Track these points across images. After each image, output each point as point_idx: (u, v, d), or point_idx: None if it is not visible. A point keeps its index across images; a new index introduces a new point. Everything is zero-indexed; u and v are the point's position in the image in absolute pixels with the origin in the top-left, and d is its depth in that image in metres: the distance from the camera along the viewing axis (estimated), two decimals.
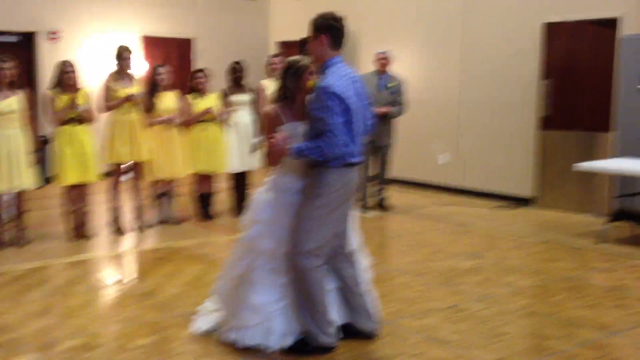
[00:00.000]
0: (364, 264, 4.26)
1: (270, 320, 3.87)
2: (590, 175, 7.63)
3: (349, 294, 4.02)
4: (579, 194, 8.06)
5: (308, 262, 3.75)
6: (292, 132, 3.80)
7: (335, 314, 4.00)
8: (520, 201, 8.57)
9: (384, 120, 7.97)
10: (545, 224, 7.53)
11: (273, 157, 3.83)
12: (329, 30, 3.77)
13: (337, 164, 3.72)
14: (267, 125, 3.93)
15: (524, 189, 8.57)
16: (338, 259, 3.99)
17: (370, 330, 4.07)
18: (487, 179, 8.98)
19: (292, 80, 3.87)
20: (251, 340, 3.88)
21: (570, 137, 8.11)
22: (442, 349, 3.95)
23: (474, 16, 9.00)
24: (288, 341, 3.87)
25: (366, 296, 4.09)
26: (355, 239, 4.18)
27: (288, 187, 3.89)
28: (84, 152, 6.52)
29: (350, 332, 4.05)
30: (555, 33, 8.11)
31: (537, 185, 8.43)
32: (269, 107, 7.51)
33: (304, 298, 3.82)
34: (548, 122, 8.28)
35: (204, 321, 4.22)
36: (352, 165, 3.80)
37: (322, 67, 3.79)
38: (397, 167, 9.57)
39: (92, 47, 10.52)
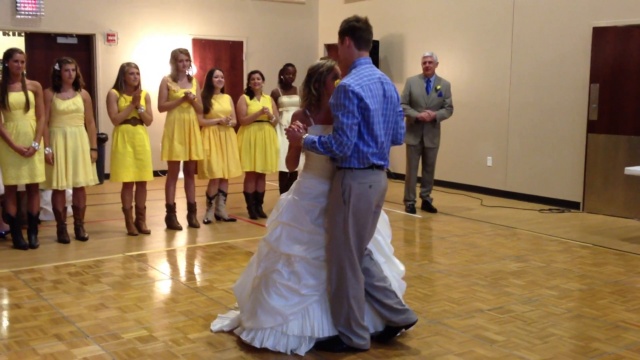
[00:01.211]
0: (401, 269, 4.36)
1: (285, 325, 3.91)
2: (637, 180, 7.61)
3: (376, 288, 4.00)
4: (625, 198, 8.03)
5: (348, 263, 3.83)
6: (317, 134, 3.87)
7: (369, 322, 4.06)
8: (567, 205, 8.56)
9: (432, 122, 8.08)
10: (592, 228, 7.53)
11: (290, 148, 3.99)
12: (352, 31, 3.85)
13: (359, 165, 3.77)
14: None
15: (571, 193, 8.56)
16: (367, 260, 4.04)
17: (407, 321, 4.03)
18: (534, 182, 8.99)
19: (316, 86, 3.95)
20: (265, 342, 3.94)
21: (617, 141, 8.08)
22: (487, 349, 4.05)
23: (523, 19, 9.01)
24: (303, 346, 3.92)
25: (394, 290, 4.08)
26: (386, 240, 4.27)
27: (310, 190, 3.97)
28: (142, 150, 6.79)
29: (389, 334, 4.09)
30: (604, 37, 8.09)
31: (584, 189, 8.41)
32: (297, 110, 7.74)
33: (338, 300, 3.88)
34: (595, 126, 8.26)
35: (221, 319, 4.39)
36: (374, 167, 3.83)
37: (349, 69, 3.86)
38: (444, 169, 9.65)
39: (146, 50, 10.84)
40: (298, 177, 4.12)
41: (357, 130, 3.72)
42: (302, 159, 4.13)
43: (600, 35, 8.12)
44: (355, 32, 3.85)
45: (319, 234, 3.94)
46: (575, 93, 8.44)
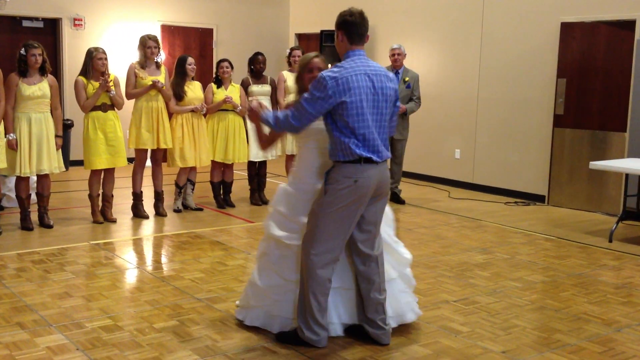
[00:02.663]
0: (406, 257, 4.34)
1: (272, 306, 4.04)
2: (602, 174, 7.74)
3: (368, 299, 3.93)
4: (590, 192, 8.17)
5: (315, 259, 3.76)
6: (312, 126, 3.87)
7: (343, 313, 4.05)
8: (532, 198, 8.68)
9: (401, 114, 8.10)
10: (556, 221, 7.65)
11: (253, 121, 4.01)
12: (344, 26, 3.81)
13: (345, 158, 3.70)
14: None
15: (537, 186, 8.68)
16: (366, 260, 3.92)
17: (379, 340, 3.97)
18: (501, 175, 9.10)
19: (298, 80, 4.10)
20: (254, 321, 4.11)
21: (582, 135, 8.21)
22: (452, 340, 4.10)
23: (493, 13, 9.08)
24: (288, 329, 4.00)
25: (385, 308, 4.01)
26: (385, 238, 4.16)
27: (304, 183, 4.00)
28: (114, 137, 6.70)
29: (359, 333, 4.05)
30: (571, 32, 8.19)
31: (549, 182, 8.54)
32: (289, 99, 7.71)
33: (301, 292, 3.86)
34: (561, 121, 8.37)
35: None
36: (364, 161, 3.71)
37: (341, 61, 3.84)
38: (412, 161, 9.70)
39: (114, 35, 10.69)
40: (294, 168, 4.15)
41: (309, 119, 3.69)
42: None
43: (567, 30, 8.22)
44: (348, 26, 3.80)
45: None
46: (543, 88, 8.54)
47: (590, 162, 6.98)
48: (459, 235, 6.88)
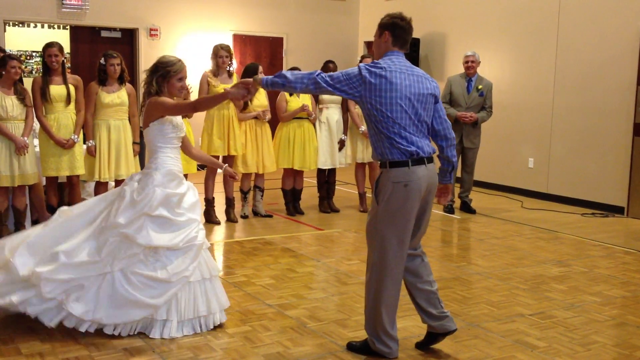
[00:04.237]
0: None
1: None
2: None
3: (417, 290, 3.91)
4: None
5: (392, 268, 3.74)
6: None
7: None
8: (610, 209, 8.38)
9: (472, 123, 7.98)
10: (636, 234, 7.35)
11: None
12: (393, 27, 3.78)
13: (392, 157, 3.66)
14: None
15: (616, 197, 8.37)
16: (411, 257, 3.90)
17: (444, 329, 3.92)
18: (577, 185, 8.82)
19: (159, 80, 4.25)
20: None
21: None
22: (528, 355, 3.98)
23: (569, 19, 8.84)
24: None
25: (438, 296, 3.97)
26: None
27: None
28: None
29: (429, 341, 4.00)
30: None
31: (629, 193, 8.23)
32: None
33: (370, 305, 3.82)
34: None
35: None
36: (410, 164, 3.66)
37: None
38: (484, 170, 9.53)
39: (188, 45, 10.93)
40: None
41: (328, 90, 3.68)
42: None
43: None
44: (396, 29, 3.78)
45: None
46: (622, 95, 8.25)
47: None
48: (533, 246, 6.70)
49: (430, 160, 3.76)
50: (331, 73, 3.73)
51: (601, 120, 8.50)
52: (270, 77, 3.79)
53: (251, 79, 3.86)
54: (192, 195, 4.31)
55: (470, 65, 8.01)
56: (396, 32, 3.78)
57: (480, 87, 8.01)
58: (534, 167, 9.36)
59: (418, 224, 3.85)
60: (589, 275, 5.71)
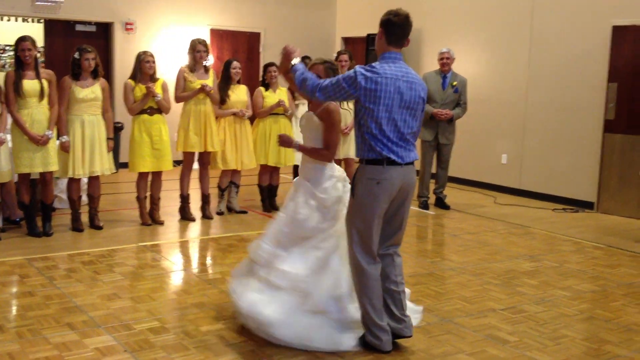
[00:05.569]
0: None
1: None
2: None
3: (391, 298, 3.97)
4: None
5: (360, 261, 3.84)
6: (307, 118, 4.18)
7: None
8: (581, 205, 8.51)
9: (447, 120, 8.05)
10: (606, 229, 7.48)
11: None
12: (386, 25, 3.80)
13: (370, 156, 3.74)
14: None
15: (586, 193, 8.50)
16: (383, 257, 3.97)
17: (401, 333, 3.98)
18: (549, 181, 8.94)
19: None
20: None
21: (634, 141, 8.01)
22: (499, 349, 4.05)
23: (543, 16, 8.94)
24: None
25: (403, 298, 4.04)
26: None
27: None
28: (159, 140, 6.80)
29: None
30: (623, 36, 8.01)
31: (599, 189, 8.36)
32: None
33: (357, 293, 3.92)
34: (612, 126, 8.19)
35: None
36: (387, 163, 3.73)
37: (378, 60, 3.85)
38: (459, 166, 9.61)
39: (164, 39, 10.86)
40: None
41: (326, 98, 3.76)
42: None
43: (619, 34, 8.04)
44: (389, 26, 3.79)
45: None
46: (593, 92, 8.37)
47: None
48: (506, 242, 6.79)
49: (408, 164, 3.83)
50: (336, 82, 3.75)
51: (573, 117, 8.62)
52: (302, 67, 3.89)
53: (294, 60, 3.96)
54: None
55: (445, 62, 8.06)
56: (389, 29, 3.79)
57: (455, 83, 8.07)
58: (507, 163, 9.46)
59: (393, 223, 3.91)
60: (559, 270, 5.80)
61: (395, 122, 3.73)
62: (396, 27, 3.78)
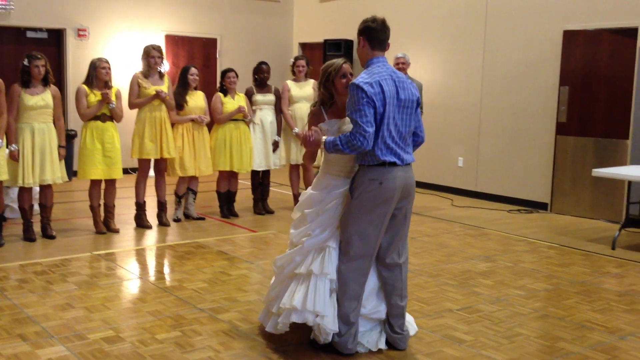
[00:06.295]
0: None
1: (271, 303, 4.08)
2: (605, 182, 7.71)
3: (389, 304, 4.01)
4: (593, 199, 8.15)
5: (347, 262, 3.84)
6: (330, 129, 3.99)
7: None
8: (535, 206, 8.66)
9: None
10: (559, 228, 7.63)
11: (307, 150, 4.10)
12: (366, 32, 3.88)
13: (369, 162, 3.78)
14: (310, 124, 4.09)
15: (540, 194, 8.66)
16: (391, 267, 3.99)
17: (395, 344, 4.03)
18: (504, 183, 9.08)
19: (327, 85, 4.04)
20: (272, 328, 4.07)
21: (585, 143, 8.19)
22: (455, 349, 4.08)
23: (496, 21, 9.09)
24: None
25: (404, 312, 4.08)
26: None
27: (324, 185, 4.02)
28: (111, 148, 6.70)
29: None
30: (574, 40, 8.19)
31: (552, 190, 8.52)
32: (293, 109, 7.73)
33: (338, 292, 3.90)
34: (564, 128, 8.36)
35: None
36: (389, 165, 3.79)
37: (365, 68, 3.90)
38: (416, 169, 9.66)
39: (118, 46, 10.73)
40: (318, 173, 4.17)
41: (372, 121, 3.69)
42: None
43: (570, 38, 8.22)
44: (370, 32, 3.88)
45: (307, 221, 4.00)
46: (546, 96, 8.53)
47: (593, 170, 6.95)
48: (463, 243, 6.86)
49: (407, 165, 3.89)
50: (358, 112, 3.67)
51: (526, 120, 8.77)
52: (332, 141, 3.78)
53: (321, 139, 3.86)
54: None
55: (401, 66, 8.12)
56: (370, 35, 3.88)
57: None
58: (464, 166, 9.58)
59: (395, 228, 3.94)
60: (513, 269, 5.89)
61: (395, 122, 3.79)
62: (377, 32, 3.88)
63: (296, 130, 7.67)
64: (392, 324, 4.03)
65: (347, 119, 3.88)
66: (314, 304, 3.82)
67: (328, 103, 4.07)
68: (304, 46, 12.35)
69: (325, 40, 10.94)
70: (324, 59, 11.01)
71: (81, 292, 5.07)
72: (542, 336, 4.35)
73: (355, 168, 3.96)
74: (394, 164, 3.81)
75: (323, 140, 3.83)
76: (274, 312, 4.02)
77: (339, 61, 4.05)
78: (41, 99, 6.32)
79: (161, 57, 7.04)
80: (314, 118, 4.07)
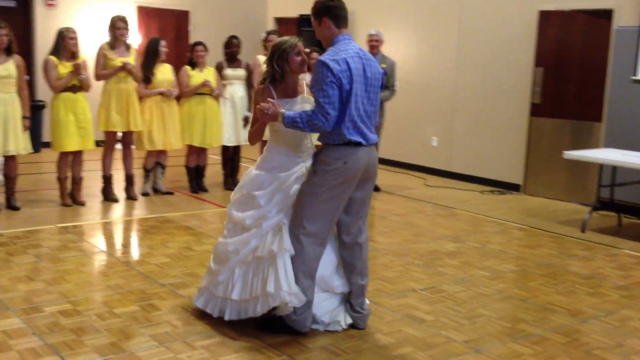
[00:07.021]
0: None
1: (216, 287, 3.98)
2: (578, 164, 7.71)
3: (349, 283, 3.99)
4: (565, 182, 8.16)
5: (303, 239, 3.75)
6: (286, 108, 3.85)
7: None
8: (508, 187, 8.67)
9: None
10: (530, 210, 7.64)
11: (258, 126, 3.90)
12: (328, 11, 3.77)
13: (334, 141, 3.70)
14: (256, 102, 3.95)
15: (513, 175, 8.66)
16: (351, 245, 3.97)
17: (356, 323, 4.02)
18: (477, 164, 9.07)
19: (280, 62, 3.88)
20: (198, 302, 4.07)
21: (559, 125, 8.18)
22: (415, 329, 4.06)
23: (470, 1, 9.01)
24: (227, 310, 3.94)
25: (364, 291, 4.06)
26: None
27: (269, 163, 3.93)
28: (84, 119, 6.61)
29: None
30: (549, 21, 8.14)
31: (525, 171, 8.53)
32: (260, 86, 7.61)
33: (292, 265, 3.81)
34: (538, 110, 8.35)
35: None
36: (353, 144, 3.71)
37: (329, 46, 3.79)
38: (389, 148, 9.65)
39: (88, 16, 10.50)
40: (264, 151, 4.03)
41: (337, 103, 3.62)
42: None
43: (545, 19, 8.17)
44: (332, 10, 3.77)
45: (259, 203, 3.87)
46: (520, 76, 8.50)
47: (565, 152, 6.94)
48: (432, 223, 6.85)
49: (371, 145, 3.82)
50: (322, 92, 3.59)
51: (500, 100, 8.75)
52: (291, 116, 3.67)
53: (280, 111, 3.72)
54: None
55: (374, 44, 8.04)
56: (334, 12, 3.78)
57: (383, 66, 8.05)
58: (438, 145, 9.55)
59: (356, 207, 3.89)
60: (481, 250, 5.88)
61: (362, 100, 3.72)
62: (340, 9, 3.79)
63: (247, 113, 7.59)
64: (352, 303, 4.00)
65: (299, 100, 3.82)
66: (289, 284, 3.73)
67: (278, 81, 3.92)
68: (279, 20, 12.18)
69: (300, 15, 10.80)
70: (298, 34, 10.87)
71: (42, 264, 4.99)
72: (504, 317, 4.34)
73: (307, 145, 3.89)
74: (359, 144, 3.74)
75: (282, 112, 3.73)
76: (220, 295, 3.94)
77: (293, 39, 3.92)
78: (4, 69, 6.16)
79: (127, 29, 6.89)
80: (262, 96, 3.90)
